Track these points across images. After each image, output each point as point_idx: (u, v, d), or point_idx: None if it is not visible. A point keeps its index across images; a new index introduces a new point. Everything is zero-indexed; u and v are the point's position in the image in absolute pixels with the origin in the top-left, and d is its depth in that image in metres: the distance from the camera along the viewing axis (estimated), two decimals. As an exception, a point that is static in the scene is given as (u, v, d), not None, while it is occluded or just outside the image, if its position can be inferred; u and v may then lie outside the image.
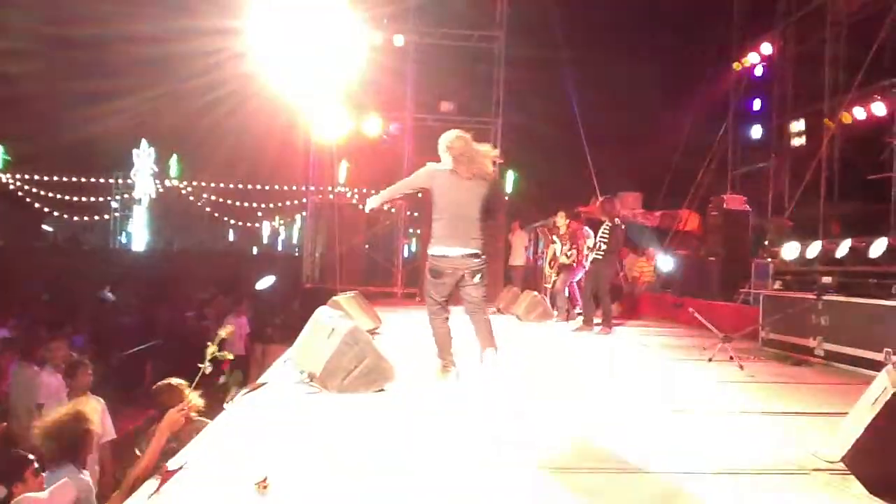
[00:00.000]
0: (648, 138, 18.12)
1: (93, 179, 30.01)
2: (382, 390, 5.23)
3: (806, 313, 7.73)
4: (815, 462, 3.74)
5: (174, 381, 5.07)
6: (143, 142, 31.83)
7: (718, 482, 3.46)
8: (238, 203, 29.74)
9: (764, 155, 16.73)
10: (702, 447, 4.10)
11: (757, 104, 17.39)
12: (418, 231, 19.37)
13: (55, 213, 29.17)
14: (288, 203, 28.07)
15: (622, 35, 18.29)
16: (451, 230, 5.59)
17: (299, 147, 16.79)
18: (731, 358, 7.18)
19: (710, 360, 7.27)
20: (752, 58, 16.65)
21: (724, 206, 13.37)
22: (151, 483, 3.23)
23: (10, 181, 28.88)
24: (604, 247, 9.73)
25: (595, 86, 17.00)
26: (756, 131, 17.39)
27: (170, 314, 17.65)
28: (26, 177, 28.83)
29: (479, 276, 5.68)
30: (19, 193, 28.69)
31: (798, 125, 15.95)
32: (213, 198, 30.19)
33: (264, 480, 3.09)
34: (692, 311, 8.49)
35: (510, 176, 18.56)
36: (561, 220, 11.48)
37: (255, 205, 29.60)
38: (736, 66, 16.94)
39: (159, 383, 5.16)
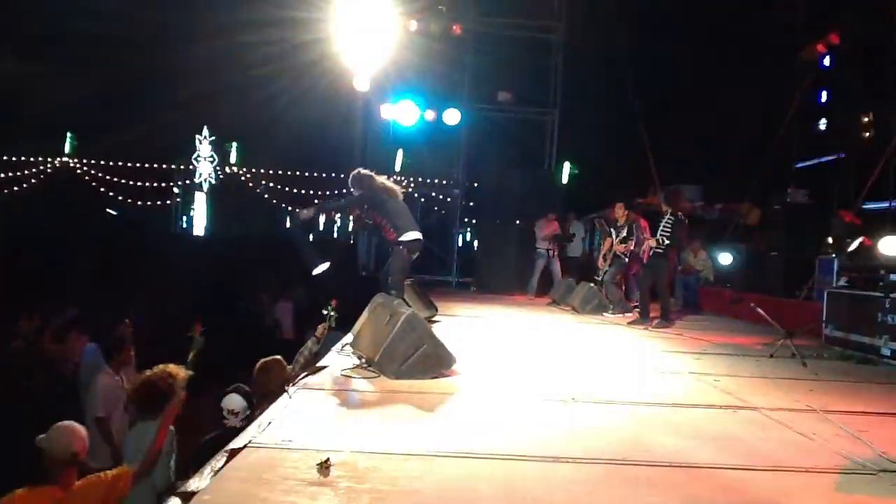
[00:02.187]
0: (709, 129, 17.76)
1: (155, 165, 30.67)
2: (439, 377, 5.27)
3: (872, 311, 7.53)
4: (882, 462, 3.66)
5: (277, 357, 5.62)
6: (205, 129, 32.39)
7: (778, 480, 3.42)
8: (295, 190, 30.09)
9: (830, 148, 16.25)
10: (762, 444, 4.04)
11: (823, 96, 16.91)
12: (473, 221, 19.39)
13: (119, 198, 29.91)
14: (344, 191, 28.26)
15: (683, 25, 17.92)
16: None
17: (357, 135, 16.90)
18: (794, 355, 7.04)
19: (771, 356, 7.14)
20: (819, 48, 16.19)
21: (787, 199, 13.06)
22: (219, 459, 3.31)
23: (78, 166, 29.72)
24: (665, 241, 9.55)
25: (655, 76, 16.71)
26: (822, 123, 16.92)
27: (226, 299, 18.01)
28: (92, 162, 29.64)
29: None
30: (86, 178, 29.51)
31: (867, 118, 15.47)
32: (271, 184, 30.59)
33: (326, 461, 3.15)
34: (753, 305, 8.34)
35: (566, 167, 18.38)
36: (619, 210, 11.35)
37: (311, 192, 29.90)
38: (802, 56, 16.49)
39: (264, 360, 5.56)
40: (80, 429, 4.52)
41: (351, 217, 7.86)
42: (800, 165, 16.93)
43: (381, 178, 7.83)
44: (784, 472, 3.53)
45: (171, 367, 5.06)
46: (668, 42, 17.29)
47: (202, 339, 5.99)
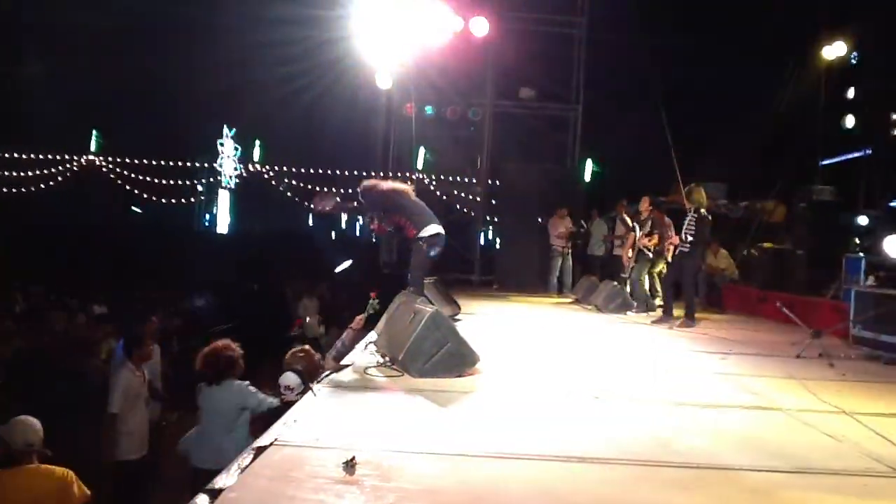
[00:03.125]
0: (734, 127, 17.61)
1: (179, 163, 30.93)
2: (463, 375, 5.27)
3: (901, 311, 7.43)
4: (913, 465, 3.61)
5: (307, 347, 5.97)
6: (225, 128, 32.62)
7: (807, 482, 3.39)
8: (318, 188, 30.21)
9: (857, 145, 16.05)
10: (789, 445, 4.00)
11: (851, 92, 16.70)
12: (495, 219, 19.35)
13: (144, 196, 30.21)
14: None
15: (708, 20, 17.78)
16: None
17: (379, 133, 16.93)
18: (821, 355, 6.96)
19: (798, 356, 7.07)
20: (844, 44, 15.99)
21: (813, 197, 12.91)
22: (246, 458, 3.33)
23: (103, 164, 30.05)
24: (690, 238, 9.47)
25: (679, 71, 16.59)
26: (849, 121, 16.71)
27: (250, 296, 18.17)
28: (118, 160, 29.94)
29: None
30: (111, 176, 29.83)
31: (894, 114, 15.26)
32: (293, 182, 30.75)
33: (352, 460, 3.17)
34: (779, 304, 8.25)
35: (588, 164, 18.29)
36: (644, 203, 11.28)
37: (334, 189, 30.01)
38: (827, 52, 16.29)
39: (294, 350, 5.83)
40: (34, 422, 4.89)
41: (372, 228, 7.71)
42: (826, 162, 16.74)
43: (388, 182, 7.67)
44: (812, 474, 3.50)
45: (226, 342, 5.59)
46: (692, 37, 17.18)
47: (377, 303, 6.34)
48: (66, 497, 4.78)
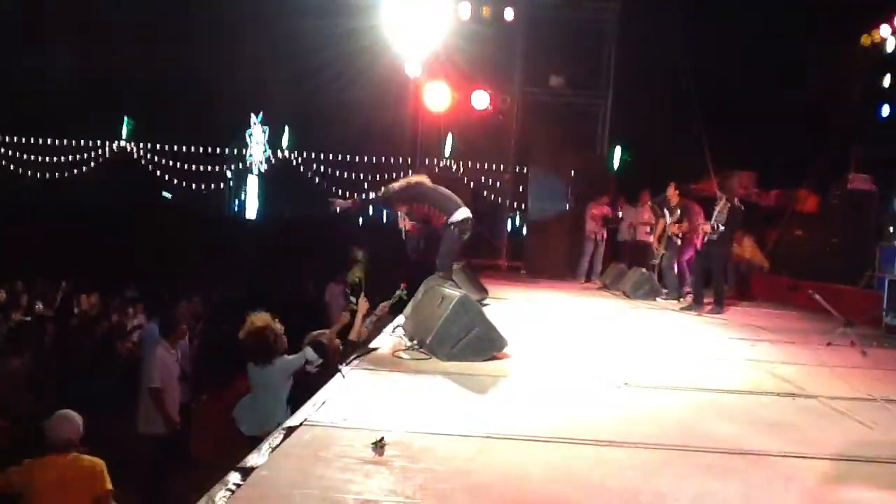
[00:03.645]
0: (766, 114, 17.37)
1: (209, 149, 31.14)
2: (491, 359, 5.28)
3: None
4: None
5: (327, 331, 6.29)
6: (254, 115, 32.79)
7: (839, 469, 3.36)
8: (346, 174, 30.27)
9: (893, 134, 15.76)
10: (821, 432, 3.97)
11: (887, 80, 16.41)
12: (523, 206, 19.29)
13: (174, 181, 30.44)
14: (394, 175, 28.38)
15: (739, 7, 17.51)
16: None
17: (408, 120, 16.94)
18: (853, 343, 6.88)
19: (829, 344, 6.99)
20: (882, 31, 15.70)
21: (848, 186, 12.72)
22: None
23: (135, 150, 30.34)
24: (721, 227, 9.37)
25: (710, 59, 16.37)
26: (885, 109, 16.43)
27: (276, 283, 18.29)
28: (149, 146, 30.20)
29: None
30: (142, 162, 30.11)
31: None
32: (321, 168, 30.82)
33: (381, 440, 3.19)
34: (811, 292, 8.14)
35: (617, 151, 18.15)
36: (671, 190, 11.20)
37: (361, 176, 30.05)
38: (865, 39, 16.01)
39: (313, 334, 6.13)
40: (75, 418, 5.19)
41: (406, 229, 7.68)
42: (860, 152, 16.45)
43: (399, 180, 7.69)
44: (844, 461, 3.47)
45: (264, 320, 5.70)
46: (723, 25, 16.94)
47: (405, 292, 6.65)
48: (93, 485, 5.04)
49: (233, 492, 2.67)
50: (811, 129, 15.61)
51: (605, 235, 13.60)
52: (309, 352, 5.80)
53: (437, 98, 15.60)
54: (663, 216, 11.46)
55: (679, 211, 10.91)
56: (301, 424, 3.50)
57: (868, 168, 15.27)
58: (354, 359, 5.35)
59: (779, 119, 16.59)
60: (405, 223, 7.55)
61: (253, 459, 3.03)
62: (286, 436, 3.34)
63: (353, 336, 6.09)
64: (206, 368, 9.28)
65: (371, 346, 5.75)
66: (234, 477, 2.81)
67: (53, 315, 11.36)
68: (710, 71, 16.20)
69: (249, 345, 5.65)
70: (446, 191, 7.53)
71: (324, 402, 3.95)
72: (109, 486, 5.10)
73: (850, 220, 12.31)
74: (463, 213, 7.25)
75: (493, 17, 15.65)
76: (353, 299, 6.81)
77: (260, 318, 5.71)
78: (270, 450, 3.20)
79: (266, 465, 2.96)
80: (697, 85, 15.12)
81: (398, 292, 6.63)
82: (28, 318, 10.57)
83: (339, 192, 29.57)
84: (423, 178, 7.58)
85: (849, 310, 8.02)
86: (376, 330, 6.41)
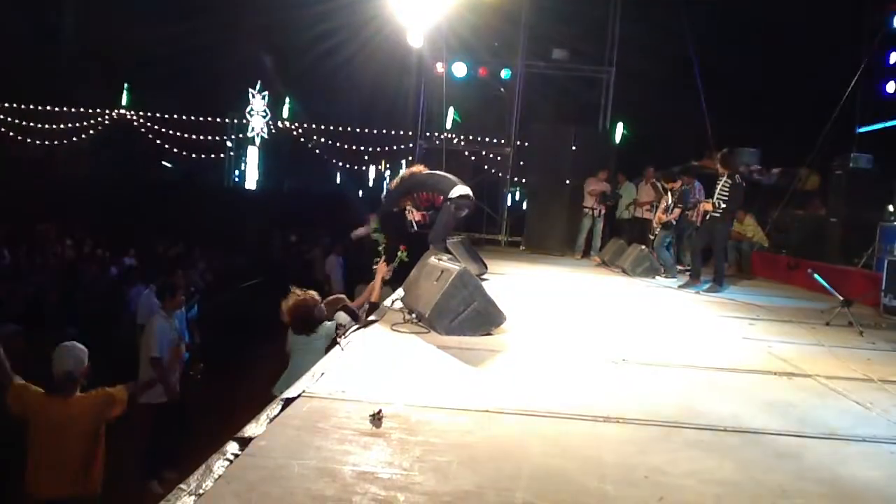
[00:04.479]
0: (769, 91, 17.27)
1: (209, 118, 30.97)
2: (489, 334, 5.29)
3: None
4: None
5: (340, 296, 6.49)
6: (255, 85, 32.51)
7: (835, 448, 3.38)
8: (346, 146, 30.15)
9: (896, 113, 15.65)
10: (818, 411, 3.98)
11: (893, 57, 16.27)
12: (523, 180, 19.22)
13: (174, 150, 30.33)
14: (395, 147, 28.31)
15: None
16: None
17: (411, 92, 16.84)
18: (851, 323, 6.89)
19: (827, 323, 7.00)
20: (888, 7, 15.53)
21: (850, 164, 12.65)
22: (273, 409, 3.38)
23: (134, 118, 30.19)
24: (723, 204, 9.29)
25: (714, 35, 16.24)
26: (890, 86, 16.30)
27: (278, 252, 18.31)
28: (148, 114, 30.05)
29: None
30: (142, 130, 29.98)
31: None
32: (322, 139, 30.69)
33: (379, 413, 3.20)
34: (811, 271, 8.14)
35: (619, 126, 18.03)
36: (675, 184, 11.20)
37: (362, 148, 29.95)
38: (870, 15, 15.85)
39: (330, 299, 6.24)
40: (77, 349, 5.14)
41: (416, 220, 7.74)
42: (863, 129, 16.37)
43: (393, 181, 7.90)
44: (841, 440, 3.48)
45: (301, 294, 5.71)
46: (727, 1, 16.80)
47: (405, 255, 6.92)
48: (103, 414, 5.13)
49: (231, 461, 2.68)
50: (815, 106, 15.51)
51: (603, 211, 13.55)
52: (342, 315, 5.93)
53: (439, 70, 15.52)
54: (665, 194, 11.43)
55: (676, 197, 10.93)
56: (299, 396, 3.51)
57: (871, 146, 15.20)
58: (353, 331, 5.36)
59: (782, 95, 16.50)
60: (413, 216, 7.56)
61: (251, 430, 3.04)
62: (284, 406, 3.35)
63: (374, 298, 6.29)
64: (203, 339, 9.29)
65: (369, 318, 5.77)
66: (232, 447, 2.82)
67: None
68: (715, 45, 16.09)
69: (296, 317, 5.63)
70: (442, 173, 7.65)
71: (322, 374, 3.97)
72: (117, 395, 5.21)
73: (851, 199, 12.24)
74: (461, 189, 7.31)
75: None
76: (376, 260, 6.93)
77: (299, 291, 5.74)
78: (269, 420, 3.21)
79: (264, 436, 2.97)
80: (701, 59, 15.03)
81: (399, 254, 6.79)
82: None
83: (340, 164, 29.50)
84: (416, 168, 7.73)
85: (848, 290, 8.03)
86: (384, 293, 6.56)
